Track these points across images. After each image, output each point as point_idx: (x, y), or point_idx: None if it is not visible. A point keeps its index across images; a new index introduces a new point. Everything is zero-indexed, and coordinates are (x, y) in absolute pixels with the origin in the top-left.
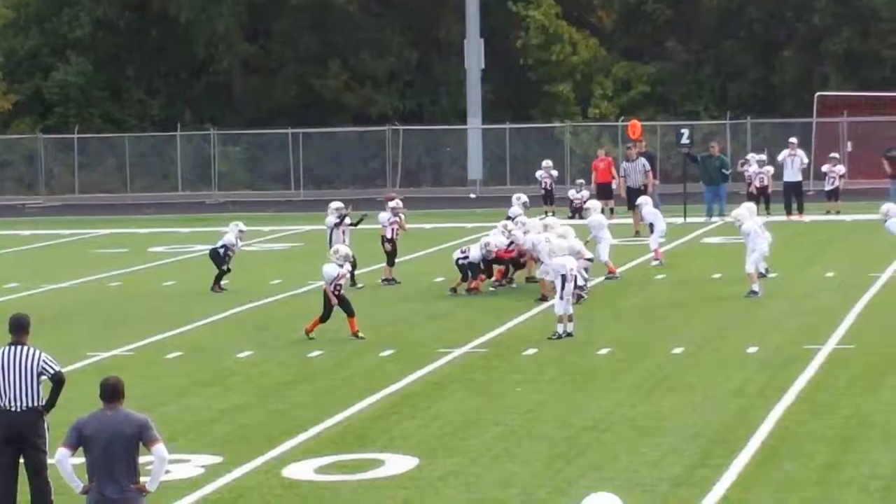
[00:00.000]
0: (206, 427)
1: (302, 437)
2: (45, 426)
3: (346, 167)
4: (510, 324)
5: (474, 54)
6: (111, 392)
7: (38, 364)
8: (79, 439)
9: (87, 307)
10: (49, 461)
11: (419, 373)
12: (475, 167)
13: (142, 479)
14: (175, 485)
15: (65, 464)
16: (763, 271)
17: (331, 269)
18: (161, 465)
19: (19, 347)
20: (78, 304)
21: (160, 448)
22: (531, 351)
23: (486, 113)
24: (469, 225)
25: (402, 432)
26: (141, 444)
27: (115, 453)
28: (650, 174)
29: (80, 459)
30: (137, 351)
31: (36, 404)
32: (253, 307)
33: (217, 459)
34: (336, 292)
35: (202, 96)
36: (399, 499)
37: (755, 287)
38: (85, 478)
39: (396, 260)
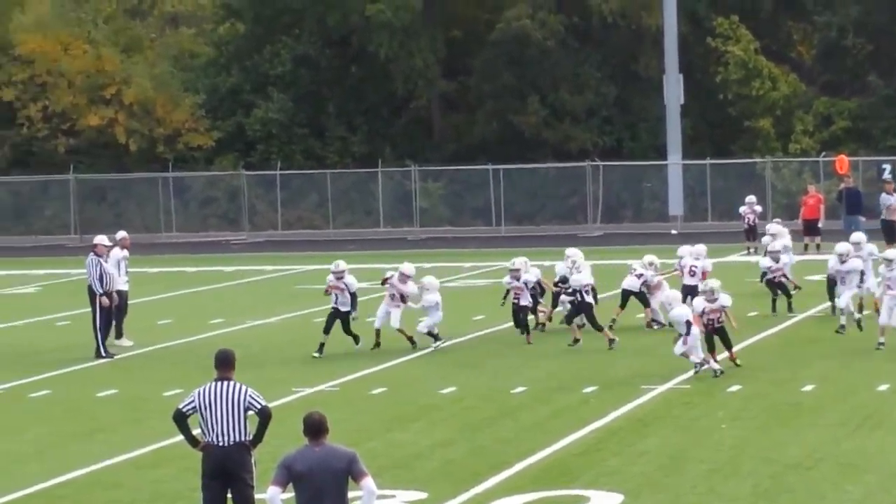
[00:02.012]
0: (411, 463)
1: (507, 472)
2: (253, 461)
3: (547, 203)
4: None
5: (673, 89)
6: (316, 428)
7: (244, 399)
8: (288, 476)
9: (291, 343)
10: (258, 496)
11: (623, 409)
12: (676, 203)
13: None
14: None
15: (276, 502)
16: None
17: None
18: (370, 498)
19: (225, 383)
20: (282, 340)
21: (369, 482)
22: (735, 387)
23: (685, 148)
24: (671, 261)
25: (607, 469)
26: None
27: (325, 489)
28: None
29: (287, 495)
30: (342, 386)
31: (243, 439)
32: (455, 343)
33: (422, 495)
34: (712, 326)
35: (402, 132)
36: None
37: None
38: None
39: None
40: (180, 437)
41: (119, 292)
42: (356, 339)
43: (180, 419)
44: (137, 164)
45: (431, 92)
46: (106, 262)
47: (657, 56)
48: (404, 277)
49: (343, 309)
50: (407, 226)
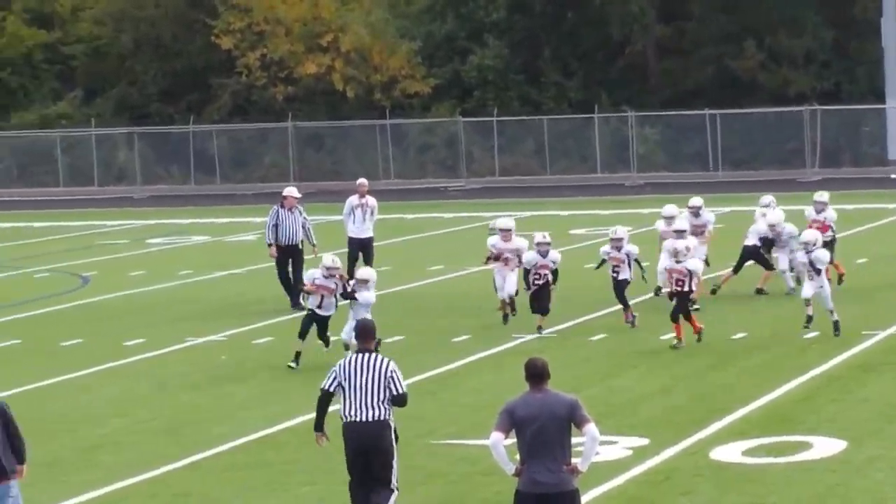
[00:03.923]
0: (632, 409)
1: (728, 419)
2: (393, 435)
3: (764, 148)
4: None
5: (891, 33)
6: (539, 374)
7: (387, 373)
8: (511, 422)
9: None
10: (476, 441)
11: (844, 355)
12: (895, 147)
13: (572, 460)
14: (603, 466)
15: (499, 447)
16: None
17: None
18: (593, 444)
19: (368, 355)
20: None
21: (591, 427)
22: None
23: None
24: (890, 206)
25: (829, 415)
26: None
27: (548, 435)
28: None
29: (508, 440)
30: (562, 333)
31: (382, 416)
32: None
33: (644, 441)
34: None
35: (618, 78)
36: (827, 482)
37: None
38: (516, 459)
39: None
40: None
41: (361, 240)
42: (327, 342)
43: (323, 400)
44: (354, 111)
45: (647, 37)
46: (292, 214)
47: None
48: (507, 234)
49: (324, 313)
50: (623, 171)
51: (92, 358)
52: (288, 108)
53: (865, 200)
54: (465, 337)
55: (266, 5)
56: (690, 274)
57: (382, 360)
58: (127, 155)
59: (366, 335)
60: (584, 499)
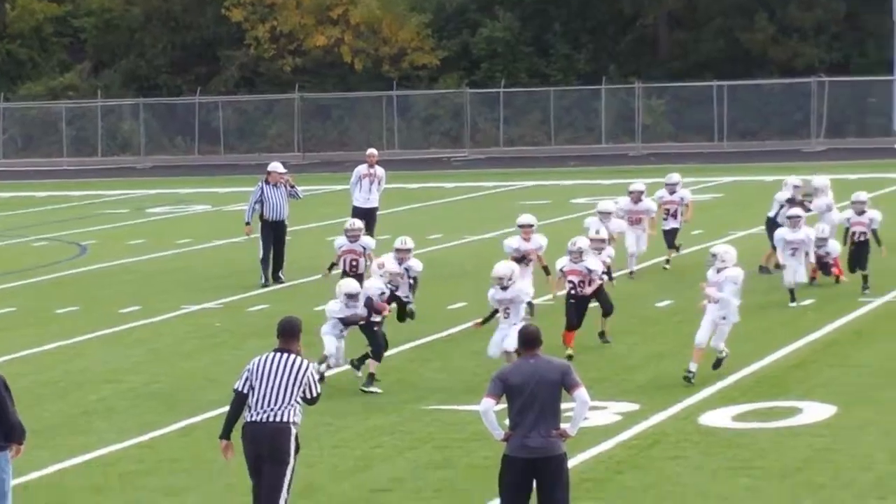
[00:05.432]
0: (624, 375)
1: (719, 384)
2: (293, 444)
3: (771, 119)
4: None
5: None
6: (531, 340)
7: (304, 377)
8: (503, 388)
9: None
10: (467, 407)
11: (839, 322)
12: None
13: (562, 425)
14: (592, 431)
15: (489, 414)
16: None
17: None
18: (583, 408)
19: (286, 355)
20: (499, 256)
21: (582, 392)
22: None
23: None
24: (892, 175)
25: (822, 381)
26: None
27: (540, 400)
28: None
29: (499, 406)
30: (559, 300)
31: (287, 420)
32: (674, 257)
33: (634, 407)
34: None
35: (627, 50)
36: (817, 447)
37: None
38: (505, 425)
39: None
40: (399, 350)
41: (366, 210)
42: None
43: (236, 402)
44: (362, 83)
45: (658, 10)
46: (277, 189)
47: None
48: (527, 230)
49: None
50: (629, 142)
51: (87, 325)
52: (295, 79)
53: (868, 170)
54: (460, 304)
55: None
56: (590, 273)
57: (301, 362)
58: (131, 125)
59: (289, 334)
60: (571, 462)
